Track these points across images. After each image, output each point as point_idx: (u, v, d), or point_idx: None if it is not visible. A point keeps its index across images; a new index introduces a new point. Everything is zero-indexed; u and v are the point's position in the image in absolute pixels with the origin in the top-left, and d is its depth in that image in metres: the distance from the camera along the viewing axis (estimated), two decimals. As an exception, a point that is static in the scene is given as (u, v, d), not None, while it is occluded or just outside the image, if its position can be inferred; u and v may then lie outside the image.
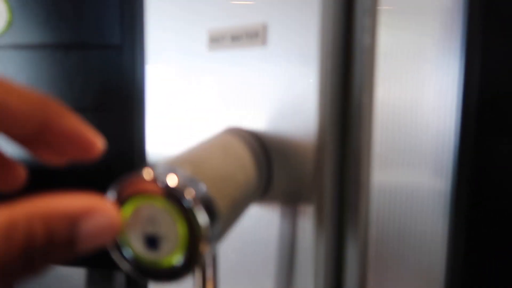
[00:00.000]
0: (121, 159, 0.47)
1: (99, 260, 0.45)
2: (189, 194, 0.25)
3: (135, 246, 0.24)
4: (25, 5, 0.48)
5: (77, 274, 0.48)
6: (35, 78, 0.49)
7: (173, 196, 0.25)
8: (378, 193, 0.37)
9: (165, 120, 0.45)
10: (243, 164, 0.34)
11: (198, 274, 0.31)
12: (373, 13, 0.33)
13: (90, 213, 0.19)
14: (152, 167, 0.27)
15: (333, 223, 0.37)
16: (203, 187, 0.27)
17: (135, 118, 0.47)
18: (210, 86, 0.42)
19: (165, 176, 0.25)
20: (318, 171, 0.36)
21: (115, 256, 0.25)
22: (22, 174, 0.23)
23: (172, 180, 0.25)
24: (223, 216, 0.28)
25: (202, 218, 0.25)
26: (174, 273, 0.25)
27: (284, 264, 0.38)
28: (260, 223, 0.39)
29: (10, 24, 0.49)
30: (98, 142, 0.22)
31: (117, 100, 0.47)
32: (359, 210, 0.36)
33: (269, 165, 0.38)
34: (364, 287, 0.37)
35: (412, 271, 0.37)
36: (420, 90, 0.35)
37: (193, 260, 0.24)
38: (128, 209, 0.25)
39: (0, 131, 0.20)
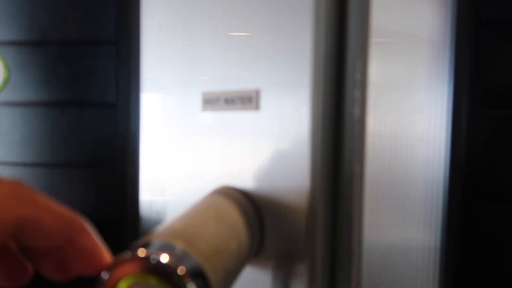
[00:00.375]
0: (115, 215, 0.47)
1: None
2: (181, 271, 0.25)
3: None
4: (22, 63, 0.49)
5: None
6: (30, 135, 0.49)
7: (166, 274, 0.25)
8: (369, 252, 0.37)
9: (158, 176, 0.46)
10: (236, 230, 0.34)
11: None
12: (363, 86, 0.34)
13: None
14: (145, 244, 0.27)
15: (326, 285, 0.38)
16: (195, 263, 0.27)
17: (129, 174, 0.47)
18: (204, 145, 0.42)
19: (158, 254, 0.25)
20: (311, 232, 0.36)
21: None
22: (29, 273, 0.24)
23: (164, 259, 0.25)
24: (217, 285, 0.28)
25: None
26: None
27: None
28: (252, 285, 0.39)
29: (6, 82, 0.50)
30: (108, 260, 0.23)
31: (111, 157, 0.48)
32: (351, 272, 0.37)
33: (262, 226, 0.38)
34: None
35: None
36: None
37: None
38: (123, 286, 0.25)
39: (25, 243, 0.21)
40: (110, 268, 0.25)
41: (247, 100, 0.39)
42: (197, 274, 0.27)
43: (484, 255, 0.36)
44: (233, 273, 0.32)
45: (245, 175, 0.40)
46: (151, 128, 0.46)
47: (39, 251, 0.23)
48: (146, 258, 0.25)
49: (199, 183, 0.43)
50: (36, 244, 0.21)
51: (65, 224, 0.22)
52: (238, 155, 0.40)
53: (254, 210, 0.38)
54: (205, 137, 0.42)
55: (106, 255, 0.23)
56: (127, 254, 0.25)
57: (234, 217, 0.35)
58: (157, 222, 0.45)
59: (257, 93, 0.38)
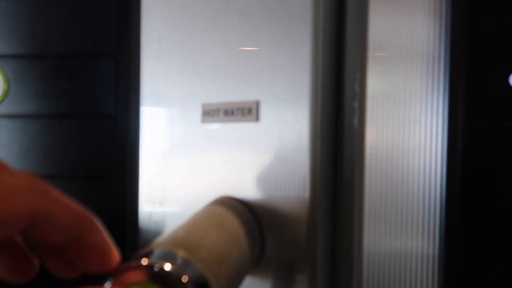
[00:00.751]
0: (113, 228, 0.47)
1: None
2: (185, 280, 0.25)
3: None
4: (21, 76, 0.50)
5: None
6: (29, 147, 0.49)
7: (169, 282, 0.25)
8: (369, 260, 0.38)
9: (157, 188, 0.46)
10: (237, 239, 0.34)
11: None
12: (362, 97, 0.35)
13: None
14: (148, 253, 0.27)
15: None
16: (198, 271, 0.27)
17: (128, 186, 0.47)
18: (203, 156, 0.43)
19: (161, 263, 0.26)
20: (311, 241, 0.36)
21: None
22: (35, 267, 0.24)
23: (167, 267, 0.25)
24: None
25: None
26: None
27: None
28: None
29: (6, 94, 0.50)
30: (117, 257, 0.23)
31: (110, 168, 0.48)
32: (351, 280, 0.37)
33: (262, 235, 0.39)
34: None
35: None
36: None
37: None
38: None
39: (37, 237, 0.21)
40: (113, 277, 0.25)
41: (247, 112, 0.39)
42: (200, 283, 0.27)
43: (484, 263, 0.36)
44: (235, 282, 0.32)
45: (245, 185, 0.40)
46: (150, 140, 0.47)
47: (48, 245, 0.22)
48: (149, 267, 0.25)
49: (198, 194, 0.43)
50: (47, 238, 0.21)
51: (77, 218, 0.22)
52: (238, 166, 0.40)
53: (254, 219, 0.38)
54: (204, 149, 0.43)
55: (115, 253, 0.23)
56: (130, 263, 0.26)
57: (235, 226, 0.35)
58: (156, 233, 0.45)
59: (257, 104, 0.39)
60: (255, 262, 0.38)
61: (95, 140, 0.48)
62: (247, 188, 0.40)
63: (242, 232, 0.35)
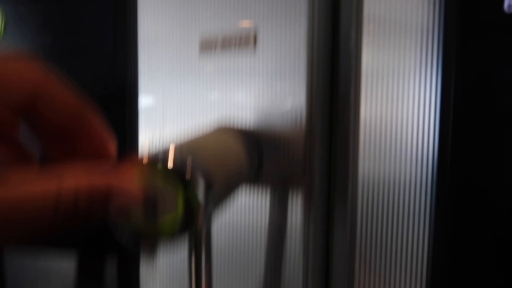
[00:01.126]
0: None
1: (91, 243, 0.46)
2: (188, 167, 0.26)
3: (137, 218, 0.25)
4: (18, 12, 0.50)
5: (66, 270, 0.48)
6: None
7: (173, 176, 0.26)
8: (363, 182, 0.39)
9: (157, 120, 0.47)
10: (235, 152, 0.36)
11: (193, 251, 0.32)
12: (359, 24, 0.36)
13: (123, 190, 0.21)
14: (151, 154, 0.28)
15: (322, 212, 0.39)
16: (200, 167, 0.28)
17: (127, 120, 0.48)
18: (202, 89, 0.44)
19: (164, 157, 0.27)
20: (308, 160, 0.38)
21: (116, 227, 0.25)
22: (33, 158, 0.24)
23: (170, 160, 0.26)
24: (218, 189, 0.29)
25: (199, 189, 0.26)
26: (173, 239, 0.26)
27: (274, 250, 0.39)
28: (251, 211, 0.40)
29: (2, 33, 0.50)
30: (115, 142, 0.24)
31: (109, 101, 0.48)
32: (347, 199, 0.38)
33: (260, 152, 0.40)
34: (352, 274, 0.39)
35: (397, 264, 0.39)
36: (402, 101, 0.38)
37: (190, 224, 0.26)
38: None
39: (38, 115, 0.22)
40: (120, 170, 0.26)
41: (245, 40, 0.40)
42: (201, 173, 0.28)
43: (477, 186, 0.37)
44: (231, 188, 0.33)
45: (243, 111, 0.41)
46: (149, 75, 0.47)
47: (49, 127, 0.23)
48: (153, 158, 0.26)
49: (197, 126, 0.44)
50: (49, 116, 0.22)
51: (78, 100, 0.22)
52: (236, 94, 0.41)
53: (252, 139, 0.40)
54: (203, 81, 0.44)
55: (113, 137, 0.24)
56: (134, 157, 0.27)
57: (232, 142, 0.36)
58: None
59: (255, 31, 0.40)
60: (253, 177, 0.39)
61: (94, 73, 0.49)
62: (246, 114, 0.41)
63: (240, 148, 0.37)
